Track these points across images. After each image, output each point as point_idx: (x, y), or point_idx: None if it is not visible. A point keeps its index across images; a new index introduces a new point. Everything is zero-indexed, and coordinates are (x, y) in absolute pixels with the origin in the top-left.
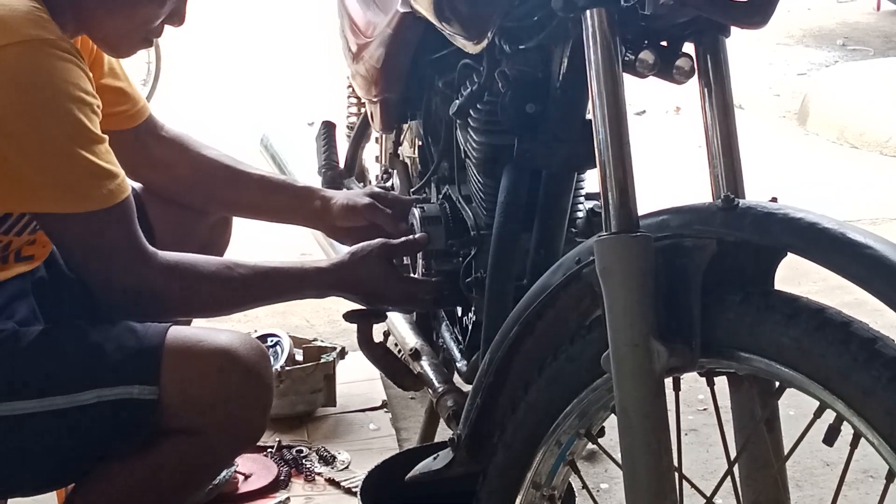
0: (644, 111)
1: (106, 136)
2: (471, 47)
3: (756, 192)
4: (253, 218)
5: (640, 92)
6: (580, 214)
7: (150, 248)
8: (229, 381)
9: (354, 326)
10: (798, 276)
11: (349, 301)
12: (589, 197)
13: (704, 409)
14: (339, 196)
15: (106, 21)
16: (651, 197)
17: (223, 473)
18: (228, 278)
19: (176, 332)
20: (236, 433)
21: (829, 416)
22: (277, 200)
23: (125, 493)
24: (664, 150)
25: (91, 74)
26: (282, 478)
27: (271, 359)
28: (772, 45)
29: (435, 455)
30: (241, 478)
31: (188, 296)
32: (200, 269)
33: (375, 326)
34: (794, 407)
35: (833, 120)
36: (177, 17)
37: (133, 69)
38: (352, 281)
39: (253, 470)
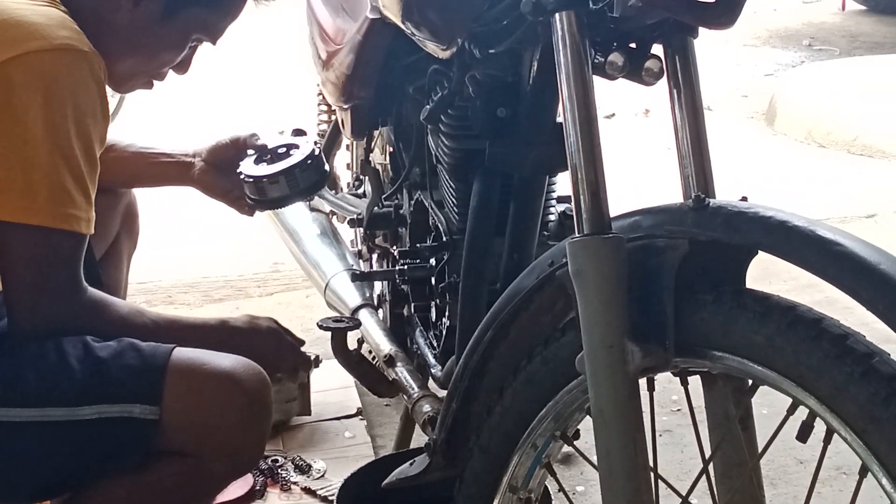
0: (613, 114)
1: (98, 167)
2: (440, 53)
3: (726, 193)
4: (134, 188)
5: (610, 95)
6: (552, 218)
7: (84, 283)
8: (231, 406)
9: (328, 334)
10: (769, 276)
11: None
12: (560, 200)
13: (678, 410)
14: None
15: (127, 58)
16: (622, 199)
17: None
18: (139, 324)
19: (180, 353)
20: (234, 458)
21: (801, 413)
22: (161, 171)
23: None
24: (634, 153)
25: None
26: (257, 488)
27: None
28: (739, 46)
29: (411, 461)
30: None
31: (107, 333)
32: (118, 311)
33: (349, 334)
34: (768, 406)
35: (800, 120)
36: (183, 66)
37: None
38: (247, 337)
39: None
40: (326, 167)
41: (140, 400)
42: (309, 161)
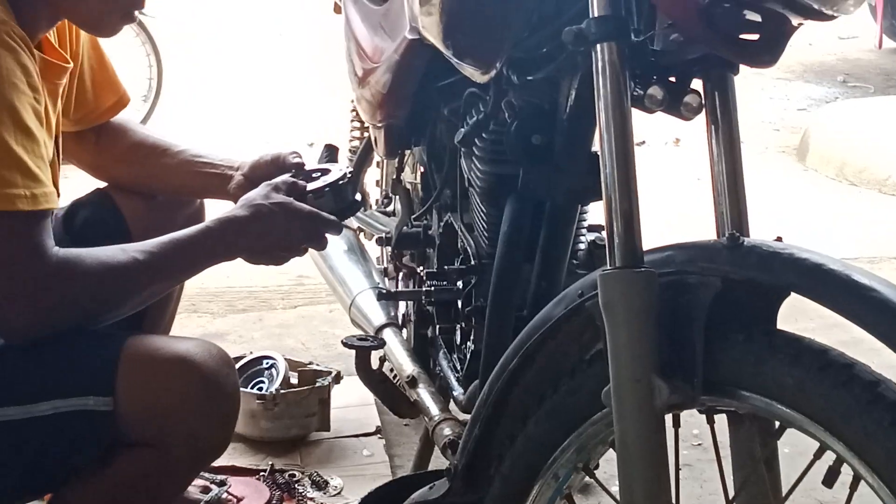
0: (643, 142)
1: (43, 139)
2: (478, 77)
3: (755, 227)
4: (181, 196)
5: (640, 122)
6: (582, 246)
7: (52, 250)
8: (187, 391)
9: (349, 350)
10: (796, 313)
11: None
12: (591, 229)
13: (699, 444)
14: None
15: (80, 3)
16: (650, 228)
17: (213, 492)
18: (124, 262)
19: (134, 340)
20: (197, 445)
21: (828, 457)
22: (204, 182)
23: None
24: (664, 182)
25: (37, 69)
26: (273, 502)
27: (266, 381)
28: (772, 78)
29: (431, 484)
30: (234, 500)
31: (91, 289)
32: (95, 258)
33: (372, 352)
34: (790, 445)
35: (832, 156)
36: None
37: (134, 85)
38: (254, 222)
39: (245, 493)
40: (358, 196)
41: (93, 392)
42: (335, 187)
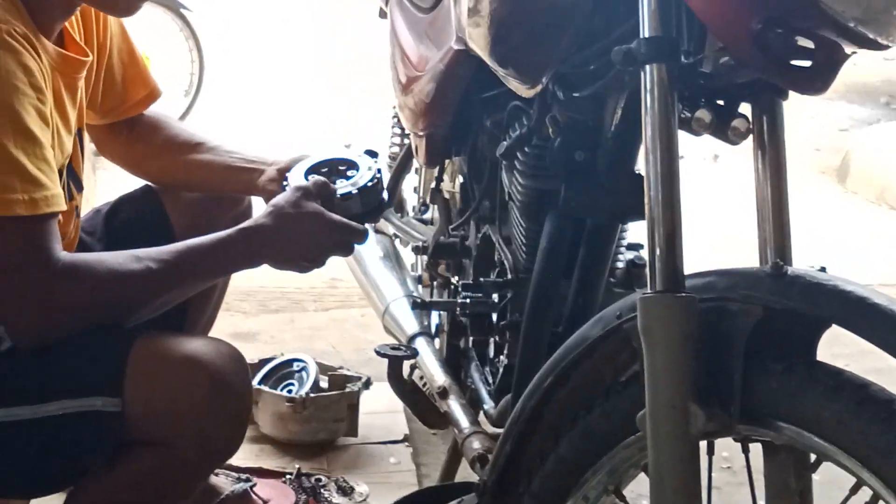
0: (682, 157)
1: (46, 141)
2: (524, 91)
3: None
4: (208, 192)
5: (679, 137)
6: (620, 265)
7: (57, 255)
8: (195, 392)
9: (379, 355)
10: (830, 338)
11: (278, 269)
12: (630, 247)
13: (728, 467)
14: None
15: None
16: (686, 244)
17: (236, 487)
18: (137, 271)
19: (144, 340)
20: (206, 445)
21: (864, 493)
22: (236, 177)
23: None
24: (701, 198)
25: (46, 66)
26: None
27: (295, 384)
28: (814, 98)
29: (459, 499)
30: (260, 502)
31: (98, 296)
32: (105, 265)
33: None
34: (820, 472)
35: (873, 180)
36: None
37: (175, 79)
38: (281, 231)
39: (271, 496)
40: (385, 195)
41: (101, 392)
42: (363, 190)
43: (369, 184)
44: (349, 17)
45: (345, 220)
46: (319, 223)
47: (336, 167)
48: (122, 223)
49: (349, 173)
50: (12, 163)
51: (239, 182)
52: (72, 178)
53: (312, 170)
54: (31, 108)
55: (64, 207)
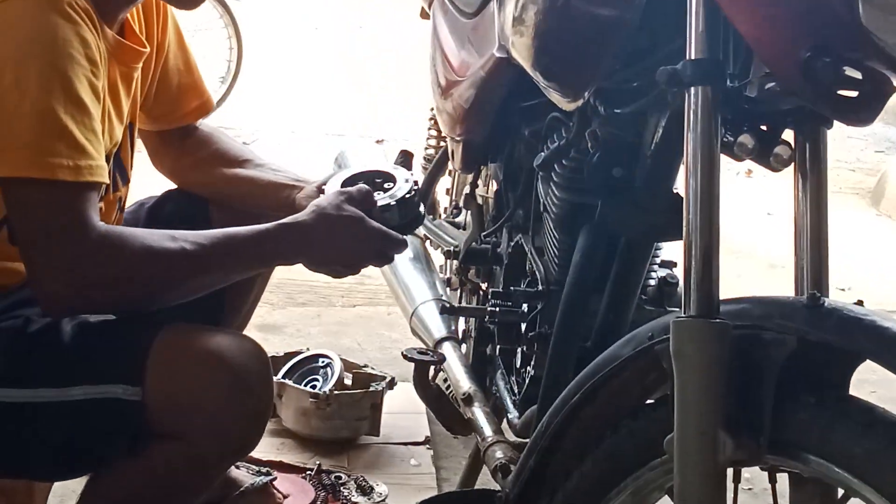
0: None
1: (96, 113)
2: (565, 104)
3: None
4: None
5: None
6: (652, 282)
7: (94, 223)
8: (215, 388)
9: (404, 354)
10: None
11: (313, 270)
12: (663, 265)
13: (750, 489)
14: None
15: None
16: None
17: (256, 480)
18: (171, 251)
19: (169, 331)
20: (223, 440)
21: None
22: (280, 197)
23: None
24: (733, 214)
25: (103, 45)
26: (318, 502)
27: (320, 379)
28: None
29: None
30: (280, 497)
31: (130, 269)
32: (141, 241)
33: None
34: None
35: None
36: None
37: (213, 66)
38: (321, 231)
39: (291, 491)
40: (422, 209)
41: (122, 380)
42: (402, 201)
43: (407, 196)
44: (369, 13)
45: (385, 228)
46: (360, 228)
47: (373, 179)
48: (166, 217)
49: (386, 185)
50: (60, 128)
51: (281, 198)
52: (118, 168)
53: (348, 182)
54: (83, 79)
55: (107, 180)
